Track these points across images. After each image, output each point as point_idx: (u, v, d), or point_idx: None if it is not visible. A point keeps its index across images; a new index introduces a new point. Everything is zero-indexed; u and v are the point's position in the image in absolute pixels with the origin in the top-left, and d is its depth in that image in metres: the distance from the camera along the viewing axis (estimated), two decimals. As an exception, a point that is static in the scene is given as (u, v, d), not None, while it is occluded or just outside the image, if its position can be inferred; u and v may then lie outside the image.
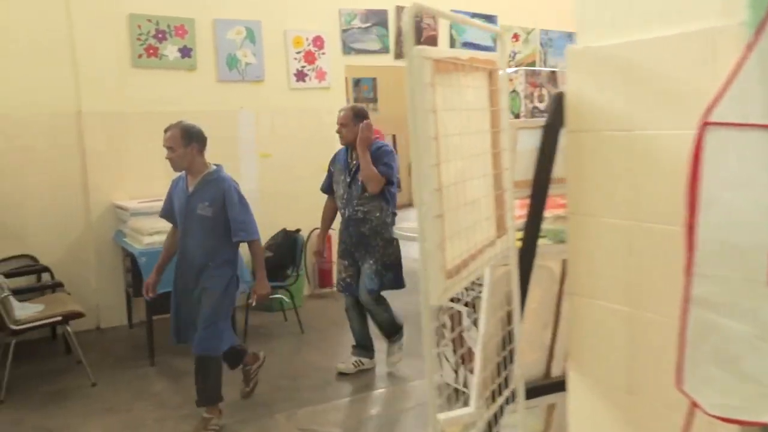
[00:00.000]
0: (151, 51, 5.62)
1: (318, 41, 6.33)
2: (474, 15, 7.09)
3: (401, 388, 4.23)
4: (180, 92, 5.75)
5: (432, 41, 6.90)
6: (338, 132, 4.31)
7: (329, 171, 4.50)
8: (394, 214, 4.38)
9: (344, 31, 6.46)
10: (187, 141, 3.60)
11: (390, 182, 4.24)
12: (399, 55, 6.74)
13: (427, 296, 1.41)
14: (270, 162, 6.17)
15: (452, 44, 7.03)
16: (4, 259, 5.06)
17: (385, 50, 6.70)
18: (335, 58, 6.45)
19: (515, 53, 7.43)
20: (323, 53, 6.37)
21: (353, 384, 4.28)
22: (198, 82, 5.85)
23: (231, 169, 6.24)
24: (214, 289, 3.62)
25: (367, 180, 4.17)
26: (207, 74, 5.90)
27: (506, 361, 2.03)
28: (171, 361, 4.67)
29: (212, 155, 6.06)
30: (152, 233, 4.72)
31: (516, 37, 7.35)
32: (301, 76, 6.29)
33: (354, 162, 4.29)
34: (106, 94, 5.48)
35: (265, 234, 5.11)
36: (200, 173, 3.70)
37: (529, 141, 2.14)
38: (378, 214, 4.26)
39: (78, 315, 4.37)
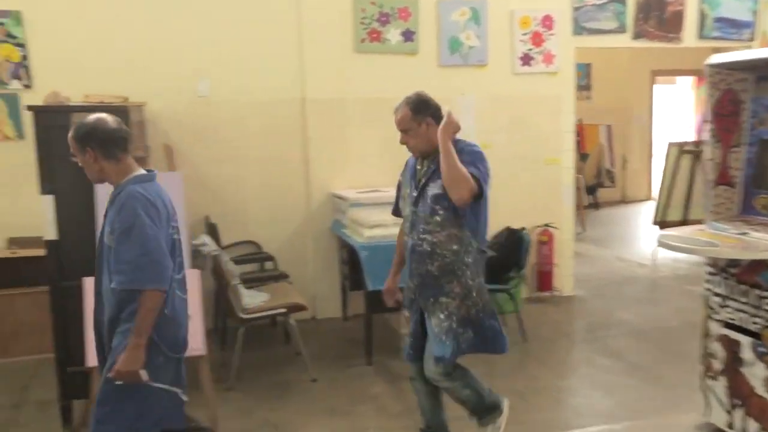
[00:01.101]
0: (374, 35, 5.41)
1: (547, 21, 5.75)
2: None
3: (651, 422, 3.60)
4: (400, 78, 5.48)
5: (677, 18, 6.01)
6: (403, 143, 3.01)
7: (399, 183, 3.23)
8: (482, 252, 2.99)
9: (576, 8, 5.81)
10: (81, 144, 2.47)
11: (480, 193, 2.82)
12: (639, 34, 5.94)
13: None
14: (490, 153, 5.67)
15: (702, 21, 6.08)
16: (231, 245, 5.14)
17: (621, 29, 5.93)
18: (564, 39, 5.82)
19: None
20: (552, 34, 5.78)
21: (584, 410, 3.73)
22: (418, 67, 5.55)
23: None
24: (116, 352, 2.43)
25: (452, 182, 2.76)
26: (428, 58, 5.58)
27: None
28: (388, 362, 4.43)
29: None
30: (373, 226, 4.48)
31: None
32: (526, 59, 5.76)
33: (424, 169, 2.97)
34: (329, 80, 5.39)
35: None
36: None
37: None
38: (455, 247, 2.89)
39: (301, 308, 4.28)
